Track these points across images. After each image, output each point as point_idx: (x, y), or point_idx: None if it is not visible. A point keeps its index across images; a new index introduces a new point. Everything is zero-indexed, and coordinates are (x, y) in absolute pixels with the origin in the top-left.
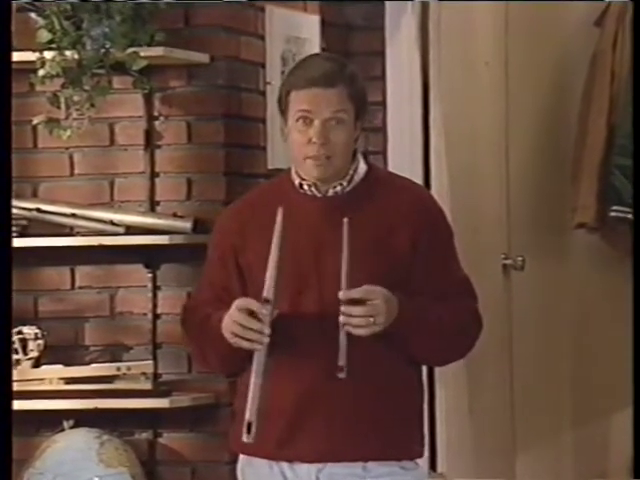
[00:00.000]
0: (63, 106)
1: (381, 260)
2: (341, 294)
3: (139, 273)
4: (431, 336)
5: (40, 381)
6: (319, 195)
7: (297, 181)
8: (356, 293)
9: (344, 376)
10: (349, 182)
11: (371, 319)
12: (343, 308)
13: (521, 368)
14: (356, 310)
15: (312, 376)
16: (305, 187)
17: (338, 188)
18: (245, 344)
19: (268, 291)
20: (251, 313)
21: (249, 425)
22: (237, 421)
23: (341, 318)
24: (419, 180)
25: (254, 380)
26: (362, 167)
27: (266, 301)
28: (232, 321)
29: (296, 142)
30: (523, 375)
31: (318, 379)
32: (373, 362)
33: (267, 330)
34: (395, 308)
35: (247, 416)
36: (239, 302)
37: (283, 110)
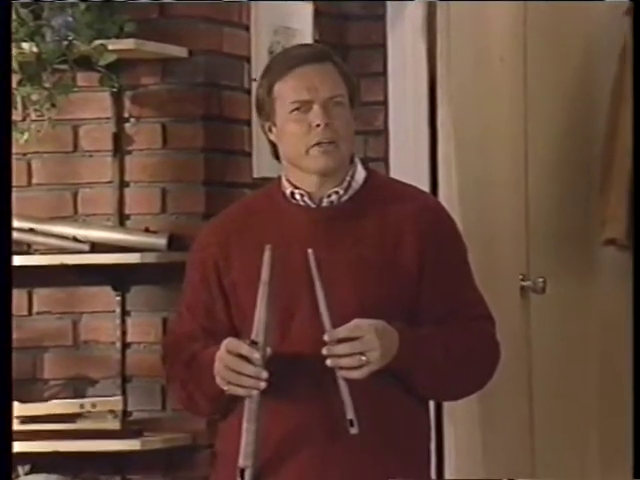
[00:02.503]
0: (20, 106)
1: (385, 279)
2: (326, 336)
3: (106, 296)
4: (438, 371)
5: None
6: (313, 205)
7: (288, 190)
8: (342, 332)
9: (356, 431)
10: (346, 190)
11: (363, 358)
12: (326, 349)
13: (542, 403)
14: (343, 349)
15: (306, 415)
16: (297, 197)
17: (334, 197)
18: (240, 391)
19: (257, 334)
20: (243, 356)
21: (242, 471)
22: (219, 464)
23: (328, 361)
24: (425, 190)
25: (246, 426)
26: (360, 173)
27: (254, 343)
28: (223, 366)
29: (294, 134)
30: (544, 411)
31: (313, 418)
32: (372, 400)
33: (264, 374)
34: (394, 342)
35: (241, 462)
36: (229, 343)
37: (267, 112)
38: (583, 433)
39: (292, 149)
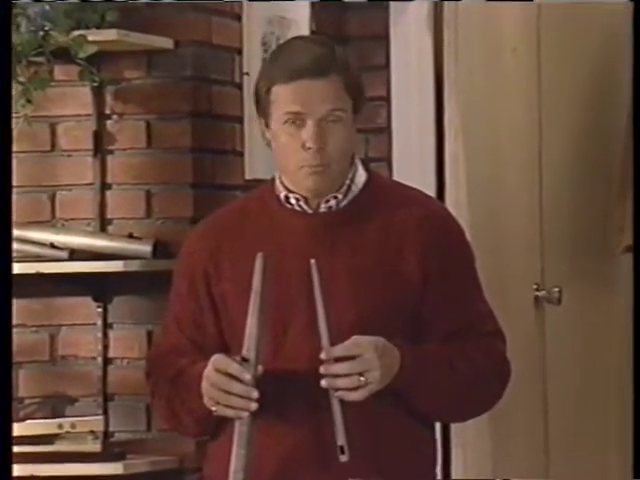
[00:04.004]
0: None
1: (386, 290)
2: (323, 354)
3: (86, 307)
4: (442, 391)
5: None
6: (309, 211)
7: (282, 194)
8: (340, 350)
9: (346, 459)
10: (345, 194)
11: (361, 378)
12: (323, 368)
13: (558, 422)
14: (341, 368)
15: (300, 438)
16: (292, 201)
17: (332, 202)
18: (230, 412)
19: (248, 350)
20: (232, 375)
21: None
22: None
23: (323, 382)
24: (431, 193)
25: (236, 451)
26: (361, 175)
27: (244, 359)
28: (211, 384)
29: (286, 148)
30: (561, 431)
31: (307, 442)
32: (370, 422)
33: (255, 394)
34: (395, 360)
35: None
36: (216, 361)
37: (263, 111)
38: (602, 454)
39: (283, 162)
